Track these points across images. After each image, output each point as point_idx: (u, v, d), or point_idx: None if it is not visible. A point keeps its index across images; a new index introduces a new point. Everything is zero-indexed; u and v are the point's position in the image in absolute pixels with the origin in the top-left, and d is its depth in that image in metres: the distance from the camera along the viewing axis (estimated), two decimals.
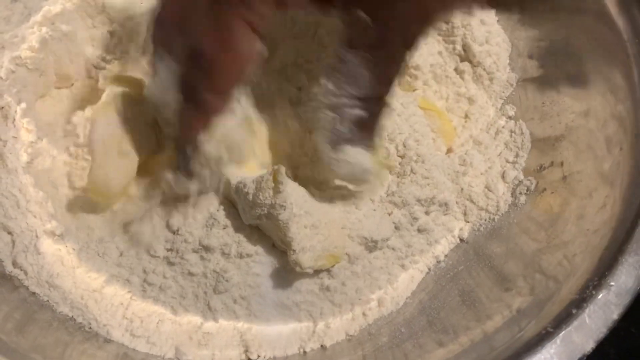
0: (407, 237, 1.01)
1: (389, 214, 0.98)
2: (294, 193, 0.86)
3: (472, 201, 1.07)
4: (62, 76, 1.02)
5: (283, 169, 0.85)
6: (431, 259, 1.04)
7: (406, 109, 1.02)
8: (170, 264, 0.92)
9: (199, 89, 0.75)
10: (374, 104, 0.79)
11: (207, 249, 0.91)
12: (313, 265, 0.88)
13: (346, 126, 0.80)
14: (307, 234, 0.87)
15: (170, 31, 0.77)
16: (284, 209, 0.85)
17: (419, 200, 0.99)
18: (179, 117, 0.80)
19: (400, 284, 1.01)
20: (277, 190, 0.84)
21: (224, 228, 0.92)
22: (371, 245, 0.95)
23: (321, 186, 0.95)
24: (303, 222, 0.86)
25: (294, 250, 0.86)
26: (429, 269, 1.04)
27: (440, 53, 1.15)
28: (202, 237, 0.91)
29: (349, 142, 0.82)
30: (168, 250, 0.92)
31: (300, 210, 0.86)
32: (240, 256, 0.92)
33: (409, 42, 0.74)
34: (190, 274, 0.92)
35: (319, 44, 1.03)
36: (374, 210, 0.96)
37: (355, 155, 0.83)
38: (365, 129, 0.81)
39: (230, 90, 0.77)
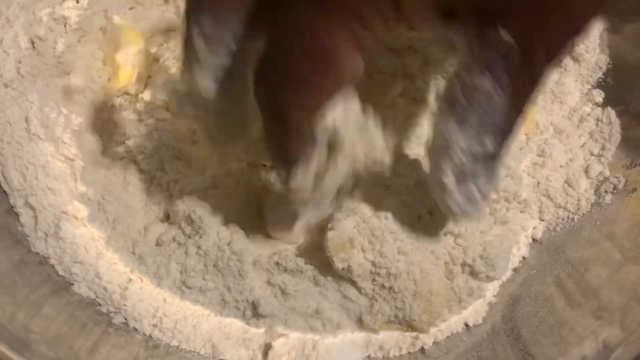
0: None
1: None
2: None
3: (549, 197, 0.98)
4: None
5: None
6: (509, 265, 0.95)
7: None
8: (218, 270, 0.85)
9: (286, 105, 0.65)
10: (507, 137, 0.68)
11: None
12: None
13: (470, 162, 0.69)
14: None
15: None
16: None
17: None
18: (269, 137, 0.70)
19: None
20: None
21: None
22: None
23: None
24: None
25: None
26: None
27: None
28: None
29: (473, 179, 0.71)
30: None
31: None
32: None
33: (552, 56, 0.63)
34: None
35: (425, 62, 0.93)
36: None
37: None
38: (493, 166, 0.70)
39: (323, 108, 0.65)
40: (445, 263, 0.88)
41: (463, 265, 0.88)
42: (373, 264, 0.83)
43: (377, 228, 0.82)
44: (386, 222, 0.83)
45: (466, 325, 0.92)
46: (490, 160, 0.69)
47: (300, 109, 0.65)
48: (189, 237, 0.85)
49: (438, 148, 0.70)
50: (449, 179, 0.70)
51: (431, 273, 0.85)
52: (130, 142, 0.90)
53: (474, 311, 0.92)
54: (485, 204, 0.76)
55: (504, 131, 0.66)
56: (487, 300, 0.93)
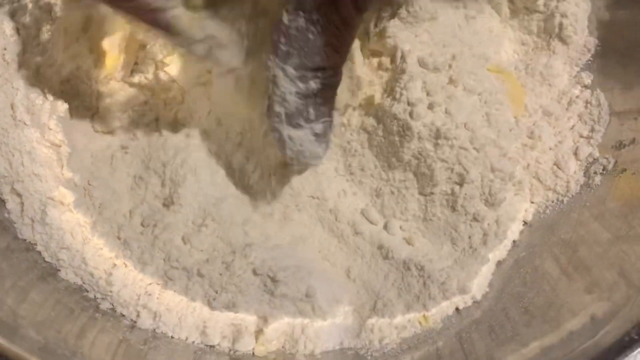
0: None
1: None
2: None
3: (538, 179, 0.98)
4: None
5: None
6: (502, 247, 0.96)
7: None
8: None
9: None
10: (330, 75, 0.74)
11: None
12: None
13: (300, 102, 0.74)
14: None
15: None
16: None
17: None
18: None
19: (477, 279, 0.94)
20: None
21: None
22: None
23: None
24: None
25: None
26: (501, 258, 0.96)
27: None
28: None
29: (304, 120, 0.77)
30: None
31: None
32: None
33: (361, 7, 0.70)
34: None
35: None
36: None
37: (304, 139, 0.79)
38: (323, 104, 0.77)
39: None
40: None
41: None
42: None
43: None
44: None
45: (457, 308, 0.92)
46: (314, 97, 0.74)
47: None
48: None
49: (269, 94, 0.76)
50: (282, 124, 0.77)
51: None
52: (116, 128, 0.90)
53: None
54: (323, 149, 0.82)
55: (324, 69, 0.72)
56: (487, 281, 0.94)
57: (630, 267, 0.81)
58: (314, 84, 0.72)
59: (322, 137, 0.80)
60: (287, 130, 0.77)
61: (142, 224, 0.87)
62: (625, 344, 0.70)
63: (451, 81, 0.90)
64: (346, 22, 0.69)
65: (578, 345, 0.75)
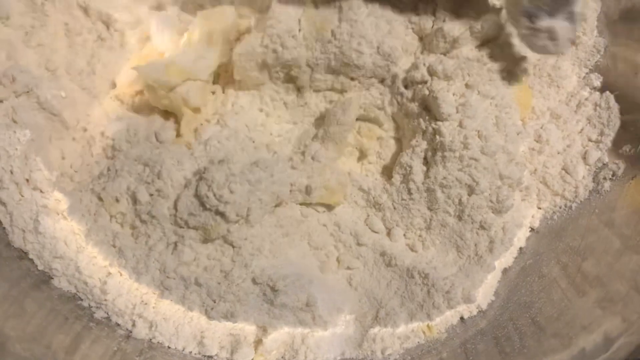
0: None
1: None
2: None
3: (546, 184, 0.96)
4: None
5: None
6: (508, 254, 0.94)
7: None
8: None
9: None
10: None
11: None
12: None
13: None
14: None
15: None
16: None
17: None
18: None
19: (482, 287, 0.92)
20: None
21: None
22: None
23: None
24: None
25: None
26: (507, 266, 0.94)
27: None
28: None
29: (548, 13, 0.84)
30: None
31: None
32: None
33: None
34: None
35: None
36: None
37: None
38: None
39: None
40: None
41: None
42: None
43: None
44: None
45: (462, 318, 0.90)
46: None
47: None
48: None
49: None
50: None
51: None
52: (109, 134, 0.88)
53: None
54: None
55: None
56: (492, 290, 0.92)
57: None
58: None
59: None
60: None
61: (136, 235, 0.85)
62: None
63: (467, 86, 0.89)
64: None
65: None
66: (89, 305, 0.83)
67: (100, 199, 0.85)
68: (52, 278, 0.82)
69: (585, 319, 0.80)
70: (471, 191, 0.88)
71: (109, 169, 0.87)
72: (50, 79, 0.89)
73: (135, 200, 0.84)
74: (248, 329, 0.85)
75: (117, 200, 0.84)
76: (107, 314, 0.83)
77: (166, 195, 0.83)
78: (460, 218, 0.90)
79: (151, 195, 0.83)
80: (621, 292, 0.80)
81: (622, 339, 0.73)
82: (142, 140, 0.89)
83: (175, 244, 0.84)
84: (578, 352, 0.76)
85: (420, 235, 0.92)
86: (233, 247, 0.85)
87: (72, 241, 0.83)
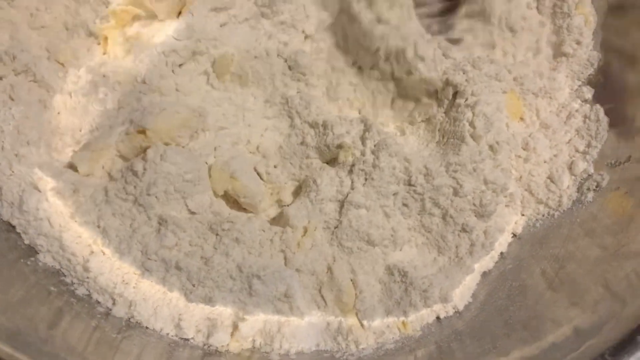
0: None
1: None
2: None
3: (530, 192, 0.98)
4: None
5: None
6: (489, 258, 0.96)
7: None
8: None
9: None
10: None
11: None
12: None
13: None
14: None
15: None
16: None
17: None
18: None
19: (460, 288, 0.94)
20: None
21: None
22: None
23: None
24: None
25: None
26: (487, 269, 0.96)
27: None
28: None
29: None
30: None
31: None
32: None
33: None
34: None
35: None
36: None
37: None
38: None
39: None
40: None
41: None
42: None
43: None
44: None
45: (438, 317, 0.92)
46: None
47: None
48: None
49: None
50: None
51: None
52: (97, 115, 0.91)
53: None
54: None
55: None
56: (470, 292, 0.94)
57: (617, 283, 0.81)
58: None
59: None
60: None
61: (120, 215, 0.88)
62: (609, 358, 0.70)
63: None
64: None
65: (560, 357, 0.75)
66: (72, 281, 0.85)
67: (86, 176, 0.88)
68: (38, 253, 0.85)
69: (557, 317, 0.82)
70: (455, 193, 0.90)
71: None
72: (49, 59, 0.92)
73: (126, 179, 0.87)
74: (225, 315, 0.87)
75: (113, 178, 0.88)
76: (89, 291, 0.85)
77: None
78: (443, 219, 0.92)
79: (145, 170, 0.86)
80: (594, 294, 0.82)
81: (595, 338, 0.74)
82: None
83: (159, 228, 0.87)
84: (549, 346, 0.78)
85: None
86: (217, 235, 0.87)
87: (56, 221, 0.85)
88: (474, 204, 0.91)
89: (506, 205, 0.97)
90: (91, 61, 0.95)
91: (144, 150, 0.88)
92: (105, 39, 0.96)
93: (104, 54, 0.96)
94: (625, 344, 0.69)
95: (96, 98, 0.91)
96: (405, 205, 0.92)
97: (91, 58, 0.95)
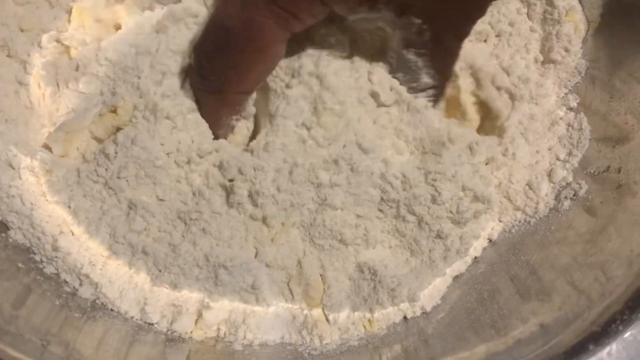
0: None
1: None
2: None
3: (509, 199, 0.98)
4: None
5: None
6: (462, 262, 0.97)
7: None
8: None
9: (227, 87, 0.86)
10: (438, 91, 0.92)
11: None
12: None
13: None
14: None
15: None
16: None
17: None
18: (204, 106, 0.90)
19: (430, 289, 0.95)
20: None
21: None
22: None
23: None
24: None
25: None
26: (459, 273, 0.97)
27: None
28: None
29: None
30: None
31: None
32: None
33: (461, 36, 0.86)
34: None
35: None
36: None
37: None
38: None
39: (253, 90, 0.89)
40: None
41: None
42: None
43: None
44: None
45: (405, 317, 0.92)
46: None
47: (239, 92, 0.87)
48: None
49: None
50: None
51: None
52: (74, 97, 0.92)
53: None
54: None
55: (435, 86, 0.91)
56: (440, 294, 0.94)
57: (587, 285, 0.81)
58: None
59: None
60: None
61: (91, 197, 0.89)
62: (577, 354, 0.70)
63: None
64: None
65: (527, 353, 0.75)
66: (41, 259, 0.87)
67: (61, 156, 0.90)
68: (9, 229, 0.86)
69: (523, 314, 0.83)
70: (433, 201, 0.90)
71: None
72: (27, 36, 0.93)
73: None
74: (190, 302, 0.88)
75: (86, 160, 0.89)
76: (57, 270, 0.87)
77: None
78: (419, 225, 0.92)
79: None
80: (562, 293, 0.82)
81: (562, 334, 0.74)
82: None
83: (129, 211, 0.88)
84: (514, 342, 0.79)
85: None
86: (185, 223, 0.88)
87: (27, 199, 0.87)
88: (451, 211, 0.91)
89: (484, 212, 0.96)
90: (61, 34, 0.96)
91: (117, 130, 0.89)
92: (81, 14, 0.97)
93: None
94: (576, 350, 0.69)
95: (74, 81, 0.92)
96: (380, 210, 0.92)
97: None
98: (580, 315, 0.76)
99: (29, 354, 0.73)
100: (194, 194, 0.89)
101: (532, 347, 0.76)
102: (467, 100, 0.96)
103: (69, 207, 0.88)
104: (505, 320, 0.85)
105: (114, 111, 0.89)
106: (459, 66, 0.94)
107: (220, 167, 0.88)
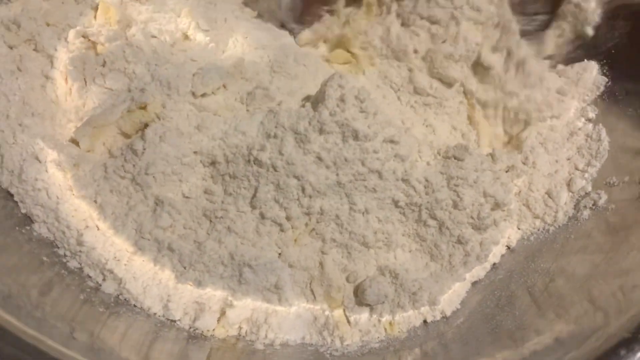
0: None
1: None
2: None
3: (528, 207, 1.00)
4: None
5: None
6: (481, 268, 0.98)
7: None
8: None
9: None
10: None
11: None
12: None
13: None
14: None
15: None
16: None
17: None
18: None
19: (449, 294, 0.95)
20: None
21: None
22: None
23: None
24: None
25: None
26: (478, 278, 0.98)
27: None
28: None
29: None
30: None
31: None
32: None
33: None
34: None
35: None
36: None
37: None
38: None
39: None
40: None
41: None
42: None
43: None
44: None
45: (424, 321, 0.93)
46: None
47: None
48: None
49: None
50: None
51: None
52: (101, 93, 0.93)
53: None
54: None
55: None
56: (459, 299, 0.95)
57: (604, 300, 0.82)
58: None
59: None
60: None
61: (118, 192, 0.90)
62: None
63: None
64: None
65: None
66: (65, 253, 0.87)
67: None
68: (33, 222, 0.87)
69: (540, 326, 0.84)
70: (454, 206, 0.91)
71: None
72: (54, 30, 0.94)
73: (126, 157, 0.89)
74: (214, 300, 0.89)
75: (113, 156, 0.90)
76: (80, 264, 0.87)
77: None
78: (439, 230, 0.93)
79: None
80: (580, 308, 0.83)
81: (578, 350, 0.75)
82: None
83: (155, 208, 0.88)
84: (529, 353, 0.79)
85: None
86: (210, 221, 0.89)
87: (53, 192, 0.87)
88: (472, 217, 0.93)
89: (503, 219, 0.98)
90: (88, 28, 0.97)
91: (145, 126, 0.90)
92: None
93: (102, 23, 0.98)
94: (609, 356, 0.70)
95: (101, 77, 0.93)
96: (402, 213, 0.93)
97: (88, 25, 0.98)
98: (596, 331, 0.77)
99: (55, 339, 0.73)
100: (219, 192, 0.89)
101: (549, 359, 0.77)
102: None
103: (95, 201, 0.89)
104: (522, 331, 0.85)
105: (144, 107, 0.89)
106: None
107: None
